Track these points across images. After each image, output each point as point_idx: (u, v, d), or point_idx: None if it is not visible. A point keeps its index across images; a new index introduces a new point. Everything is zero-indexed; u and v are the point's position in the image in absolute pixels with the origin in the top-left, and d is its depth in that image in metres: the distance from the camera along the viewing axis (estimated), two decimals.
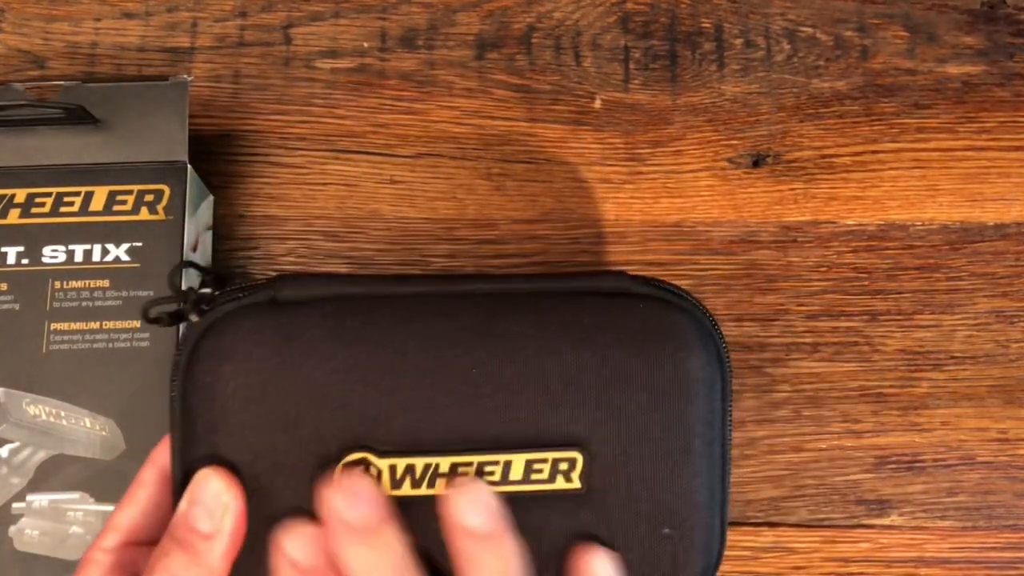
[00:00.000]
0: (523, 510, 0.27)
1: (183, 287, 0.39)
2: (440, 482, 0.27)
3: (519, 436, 0.27)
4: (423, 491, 0.27)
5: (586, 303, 0.29)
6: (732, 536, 0.41)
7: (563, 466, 0.28)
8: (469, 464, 0.27)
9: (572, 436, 0.28)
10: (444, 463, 0.27)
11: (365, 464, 0.27)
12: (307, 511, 0.26)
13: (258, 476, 0.27)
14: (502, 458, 0.27)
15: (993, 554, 0.41)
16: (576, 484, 0.28)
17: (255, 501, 0.27)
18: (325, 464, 0.27)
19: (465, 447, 0.27)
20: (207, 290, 0.29)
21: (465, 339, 0.28)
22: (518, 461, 0.27)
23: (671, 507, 0.28)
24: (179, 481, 0.27)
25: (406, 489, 0.27)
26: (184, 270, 0.38)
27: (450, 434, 0.27)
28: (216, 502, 0.26)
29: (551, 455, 0.27)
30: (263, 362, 0.27)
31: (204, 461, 0.27)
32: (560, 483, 0.28)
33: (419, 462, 0.27)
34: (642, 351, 0.28)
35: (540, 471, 0.27)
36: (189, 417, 0.27)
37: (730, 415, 0.29)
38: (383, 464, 0.27)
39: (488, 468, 0.27)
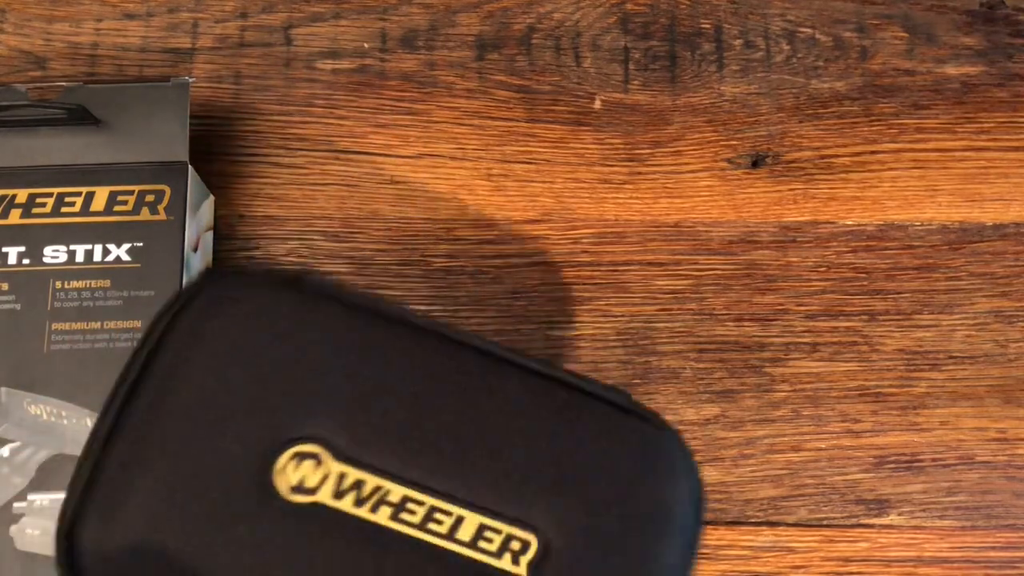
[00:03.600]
0: None
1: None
2: (383, 510, 0.26)
3: (481, 496, 0.26)
4: (362, 512, 0.26)
5: (588, 404, 0.28)
6: (731, 535, 0.41)
7: (515, 545, 0.26)
8: (421, 503, 0.26)
9: (533, 520, 0.26)
10: (396, 492, 0.26)
11: (316, 459, 0.26)
12: (248, 456, 0.26)
13: (211, 410, 0.26)
14: (456, 511, 0.26)
15: (992, 553, 0.41)
16: (522, 571, 0.26)
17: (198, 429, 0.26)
18: (282, 438, 0.26)
19: (424, 485, 0.26)
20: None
21: (461, 386, 0.27)
22: (471, 521, 0.26)
23: None
24: (102, 437, 0.26)
25: (345, 504, 0.26)
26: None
27: (414, 467, 0.26)
28: None
29: (506, 528, 0.26)
30: (277, 306, 0.27)
31: (152, 391, 0.26)
32: (506, 563, 0.26)
33: (371, 480, 0.26)
34: (632, 466, 0.27)
35: (490, 540, 0.26)
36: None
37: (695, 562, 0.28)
38: (334, 467, 0.26)
39: (438, 516, 0.26)
